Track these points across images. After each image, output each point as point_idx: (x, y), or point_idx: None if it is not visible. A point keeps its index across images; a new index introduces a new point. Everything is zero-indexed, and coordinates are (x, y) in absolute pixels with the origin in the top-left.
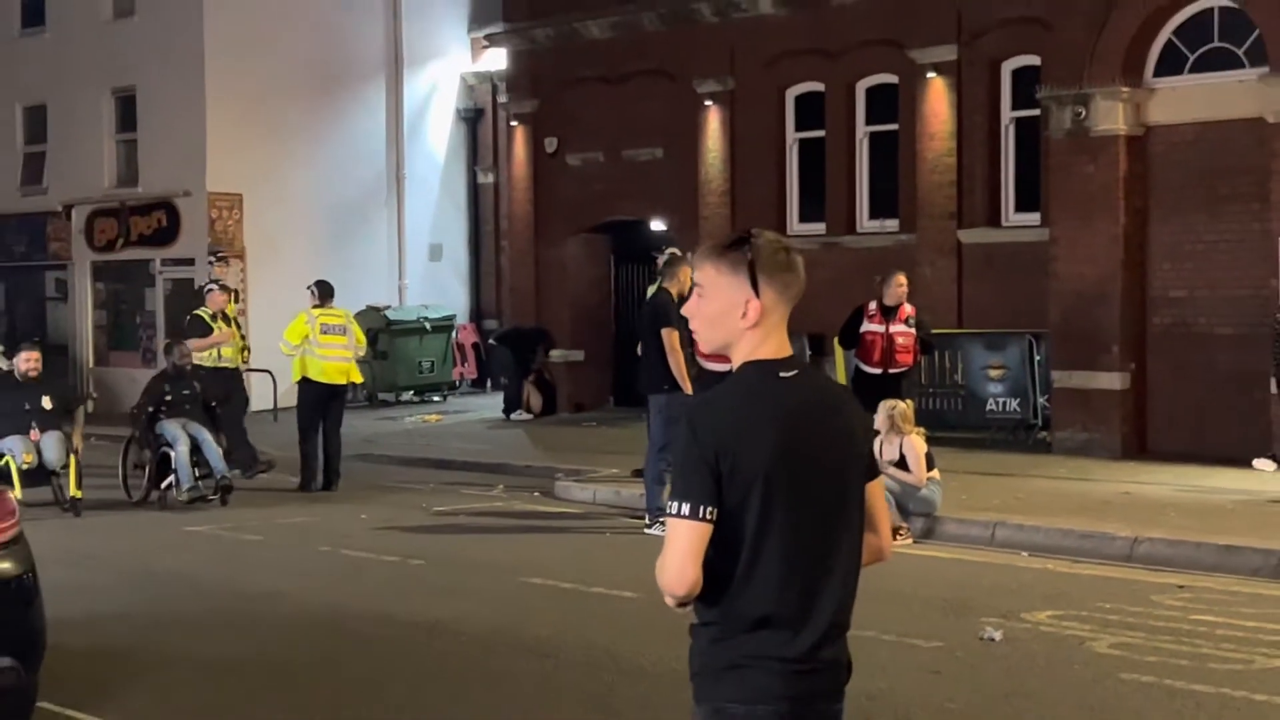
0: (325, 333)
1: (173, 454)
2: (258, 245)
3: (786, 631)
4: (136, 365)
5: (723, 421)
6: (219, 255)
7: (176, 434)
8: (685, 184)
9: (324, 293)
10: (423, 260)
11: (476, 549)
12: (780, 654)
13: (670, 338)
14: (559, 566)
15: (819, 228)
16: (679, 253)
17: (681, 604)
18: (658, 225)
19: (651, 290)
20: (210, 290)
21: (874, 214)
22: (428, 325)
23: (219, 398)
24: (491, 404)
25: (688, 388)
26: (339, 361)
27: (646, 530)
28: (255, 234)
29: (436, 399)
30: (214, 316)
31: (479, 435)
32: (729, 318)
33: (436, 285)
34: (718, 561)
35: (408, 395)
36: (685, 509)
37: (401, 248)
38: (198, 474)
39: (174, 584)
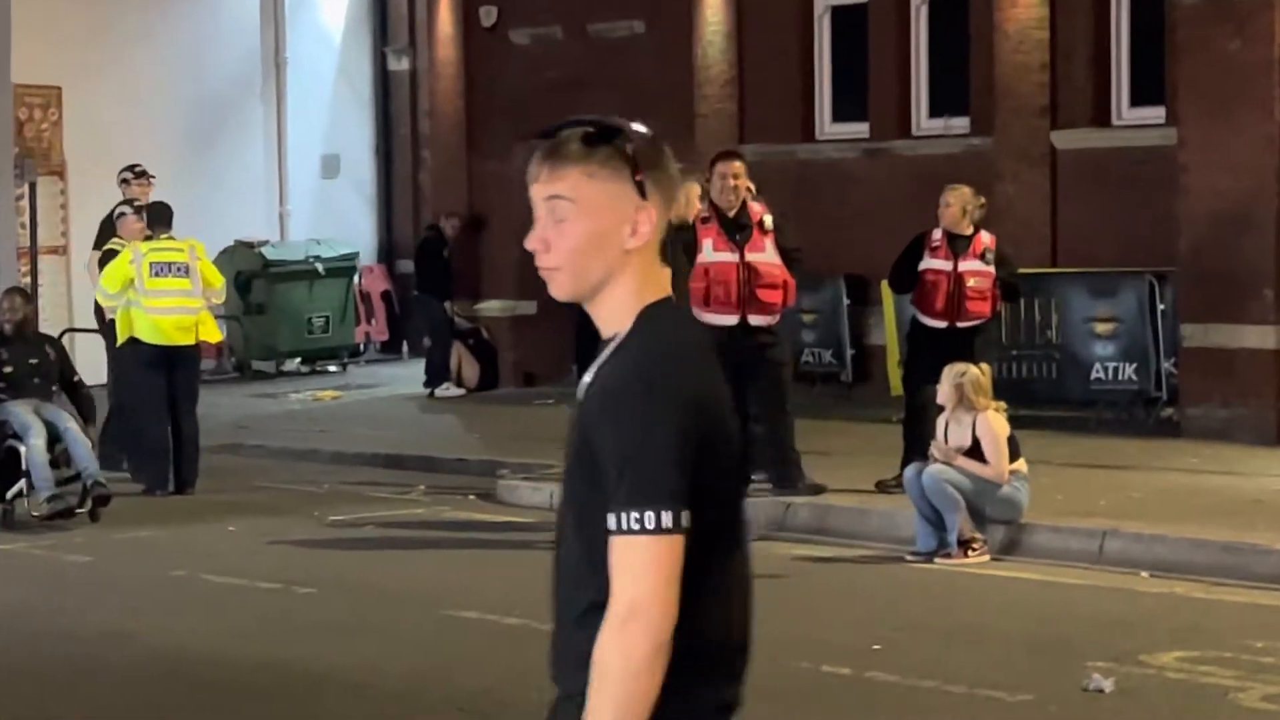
0: (157, 275)
1: (22, 450)
2: (82, 157)
3: (728, 673)
4: None
5: (697, 387)
6: (21, 170)
7: (27, 422)
8: (676, 71)
9: (155, 218)
10: (312, 178)
11: (388, 573)
12: (724, 700)
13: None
14: (501, 596)
15: (860, 129)
16: (680, 168)
17: (666, 650)
18: (638, 129)
19: None
20: (122, 216)
21: (936, 110)
22: (320, 268)
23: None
24: (409, 375)
25: None
26: (178, 315)
27: None
28: (79, 142)
29: (333, 369)
30: None
31: (392, 418)
32: (610, 241)
33: (332, 213)
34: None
35: (293, 364)
36: (668, 519)
37: (282, 161)
38: (60, 477)
39: None
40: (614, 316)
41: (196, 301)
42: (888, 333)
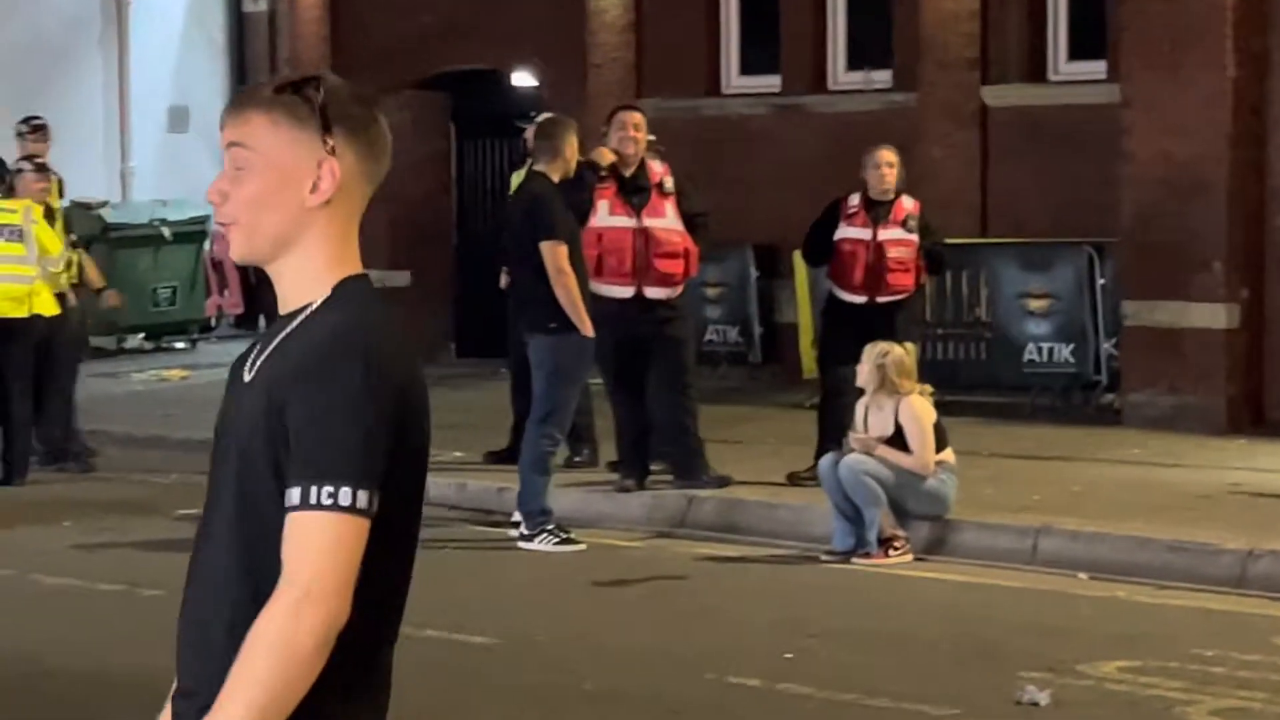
0: None
1: None
2: None
3: (381, 684)
4: None
5: (402, 372)
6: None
7: None
8: (566, 14)
9: None
10: (159, 131)
11: None
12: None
13: (556, 252)
14: None
15: (771, 82)
16: (565, 118)
17: (328, 641)
18: (524, 79)
19: (518, 178)
20: (20, 173)
21: (855, 63)
22: (166, 232)
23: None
24: None
25: (586, 326)
26: (9, 283)
27: (523, 545)
28: None
29: (181, 345)
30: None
31: None
32: (288, 195)
33: (180, 170)
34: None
35: (136, 340)
36: (362, 498)
37: (124, 112)
38: None
39: None
40: (299, 285)
41: (30, 269)
42: (800, 309)
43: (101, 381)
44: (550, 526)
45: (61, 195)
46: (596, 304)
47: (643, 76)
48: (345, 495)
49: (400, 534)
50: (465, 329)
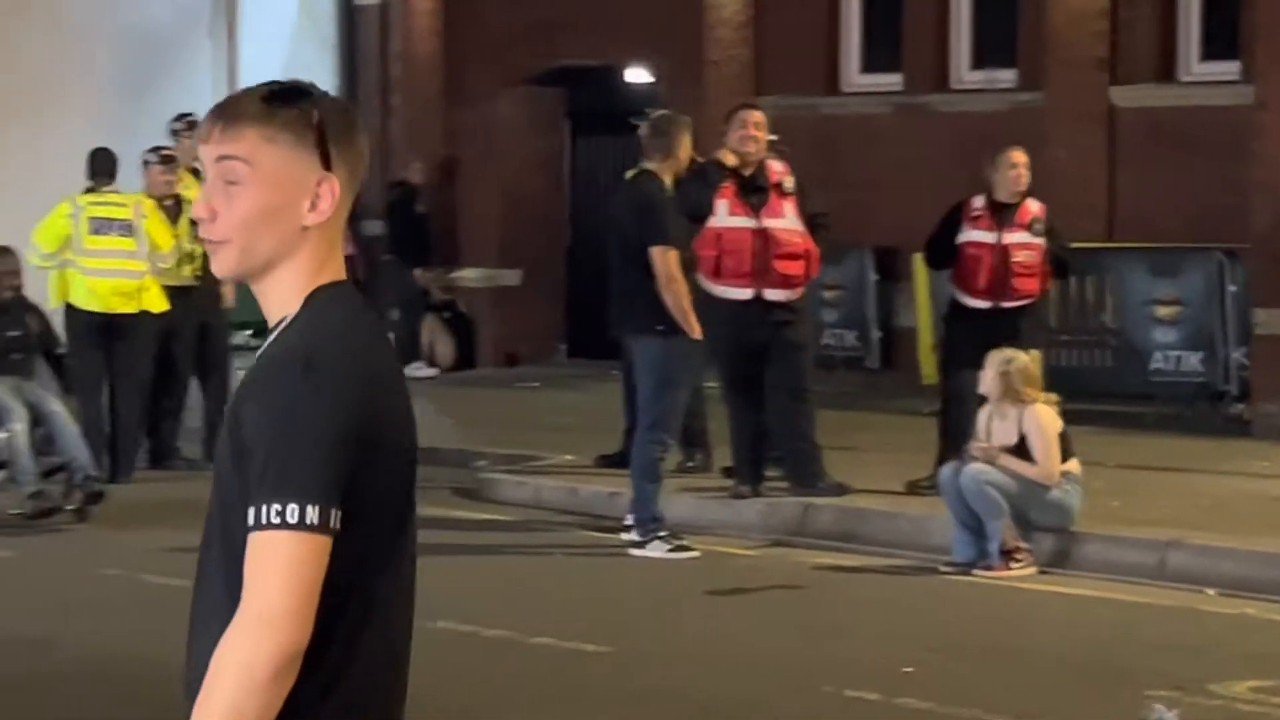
0: (96, 232)
1: (1, 436)
2: (8, 97)
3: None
4: None
5: (362, 371)
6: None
7: (6, 404)
8: (683, 9)
9: (98, 168)
10: None
11: None
12: None
13: (667, 258)
14: (483, 605)
15: (892, 81)
16: (679, 115)
17: (294, 665)
18: (639, 75)
19: (631, 176)
20: (147, 164)
21: (979, 61)
22: None
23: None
24: None
25: (694, 328)
26: (119, 278)
27: (635, 551)
28: (4, 79)
29: None
30: (159, 206)
31: None
32: (286, 215)
33: None
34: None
35: (243, 336)
36: (313, 514)
37: None
38: (43, 468)
39: None
40: (285, 300)
41: (140, 264)
42: (920, 313)
43: None
44: (663, 533)
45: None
46: (714, 306)
47: (760, 74)
48: (293, 512)
49: (386, 547)
50: (577, 329)
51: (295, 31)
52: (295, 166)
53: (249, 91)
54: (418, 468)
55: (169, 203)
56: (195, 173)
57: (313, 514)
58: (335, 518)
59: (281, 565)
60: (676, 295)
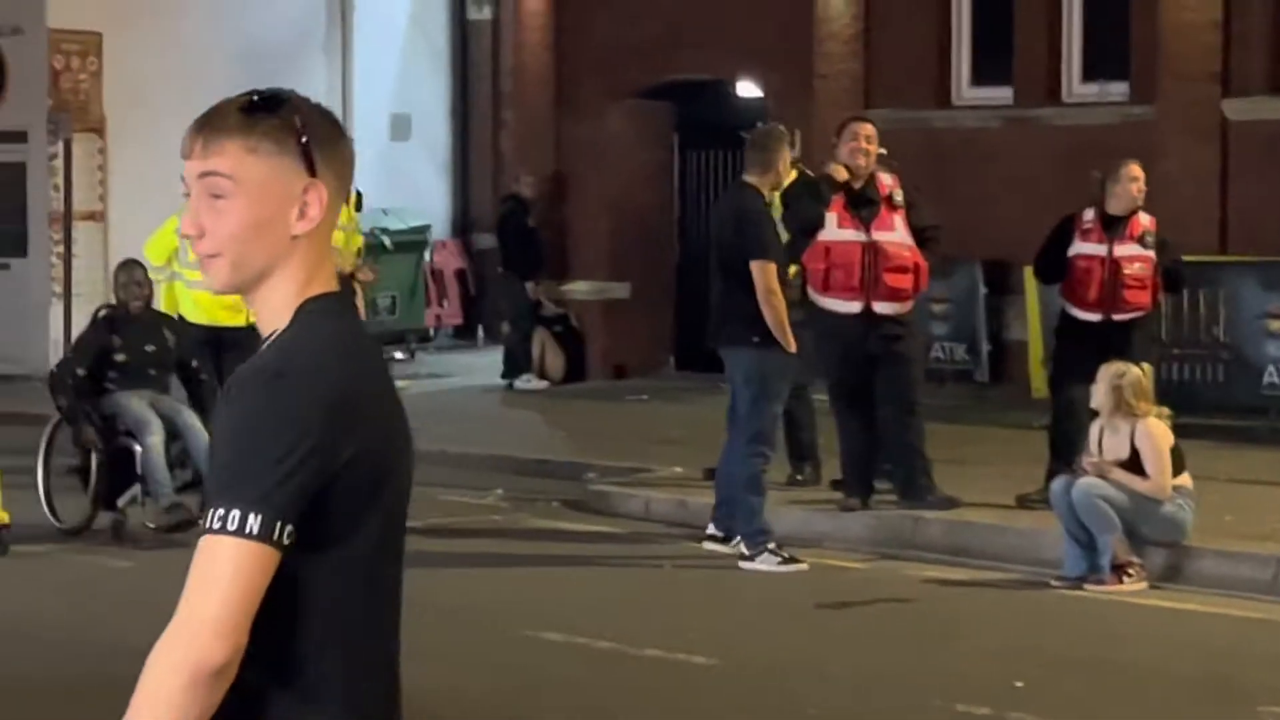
0: None
1: (137, 450)
2: (124, 111)
3: None
4: None
5: (341, 384)
6: (56, 126)
7: (142, 417)
8: (793, 23)
9: None
10: (380, 140)
11: (461, 588)
12: None
13: (767, 272)
14: (591, 616)
15: (1003, 94)
16: (778, 128)
17: (216, 677)
18: (749, 89)
19: (731, 189)
20: None
21: (1090, 74)
22: (387, 241)
23: None
24: (486, 364)
25: (790, 341)
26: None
27: (744, 565)
28: (121, 94)
29: (400, 355)
30: None
31: (466, 412)
32: (275, 225)
33: (401, 179)
34: (300, 610)
35: None
36: (255, 524)
37: (347, 119)
38: (178, 482)
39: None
40: (277, 311)
41: None
42: (1030, 326)
43: None
44: (771, 545)
45: (360, 206)
46: (823, 318)
47: (871, 87)
48: (234, 519)
49: (364, 566)
50: (685, 342)
51: (407, 46)
52: (280, 176)
53: (229, 102)
54: (537, 479)
55: None
56: None
57: (254, 523)
58: (283, 531)
59: (219, 572)
60: (775, 310)
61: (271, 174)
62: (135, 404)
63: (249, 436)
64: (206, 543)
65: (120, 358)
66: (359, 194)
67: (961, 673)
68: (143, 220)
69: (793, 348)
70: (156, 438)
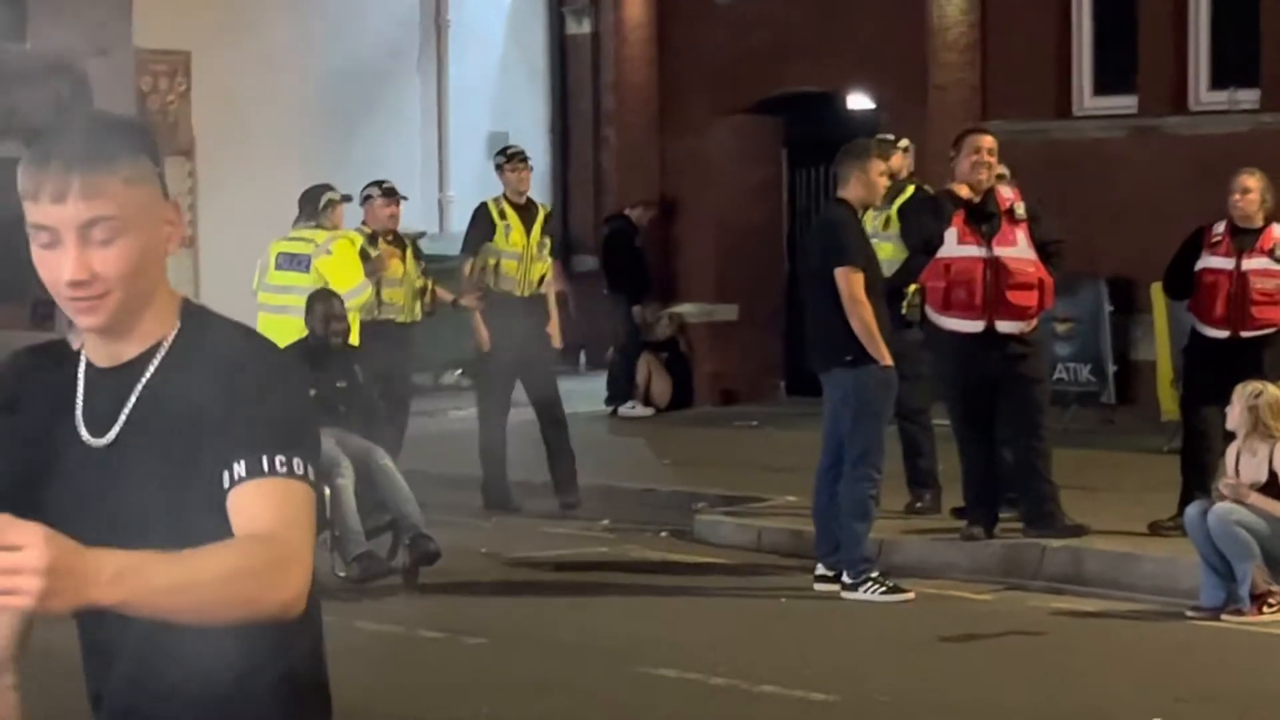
0: (281, 268)
1: (326, 492)
2: (214, 134)
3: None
4: (20, 326)
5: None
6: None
7: (332, 457)
8: (906, 32)
9: (303, 201)
10: (478, 159)
11: (569, 622)
12: None
13: (850, 279)
14: (702, 651)
15: (1127, 103)
16: (865, 140)
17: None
18: (860, 101)
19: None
20: (370, 199)
21: (1219, 81)
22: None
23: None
24: (588, 390)
25: (884, 356)
26: (292, 315)
27: (846, 595)
28: (210, 117)
29: None
30: (373, 240)
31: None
32: (158, 250)
33: None
34: None
35: (453, 376)
36: (312, 473)
37: (443, 140)
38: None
39: None
40: (162, 320)
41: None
42: (1159, 345)
43: (418, 420)
44: (874, 574)
45: (419, 255)
46: (943, 339)
47: (987, 98)
48: (298, 464)
49: None
50: (795, 365)
51: (504, 63)
52: (153, 203)
53: (74, 133)
54: (643, 509)
55: (389, 237)
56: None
57: (312, 472)
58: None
59: (304, 517)
60: (862, 318)
61: (147, 204)
62: (324, 444)
63: (291, 394)
64: (284, 485)
65: (310, 393)
66: (415, 241)
67: (1096, 707)
68: (234, 245)
69: (886, 359)
70: (346, 479)
